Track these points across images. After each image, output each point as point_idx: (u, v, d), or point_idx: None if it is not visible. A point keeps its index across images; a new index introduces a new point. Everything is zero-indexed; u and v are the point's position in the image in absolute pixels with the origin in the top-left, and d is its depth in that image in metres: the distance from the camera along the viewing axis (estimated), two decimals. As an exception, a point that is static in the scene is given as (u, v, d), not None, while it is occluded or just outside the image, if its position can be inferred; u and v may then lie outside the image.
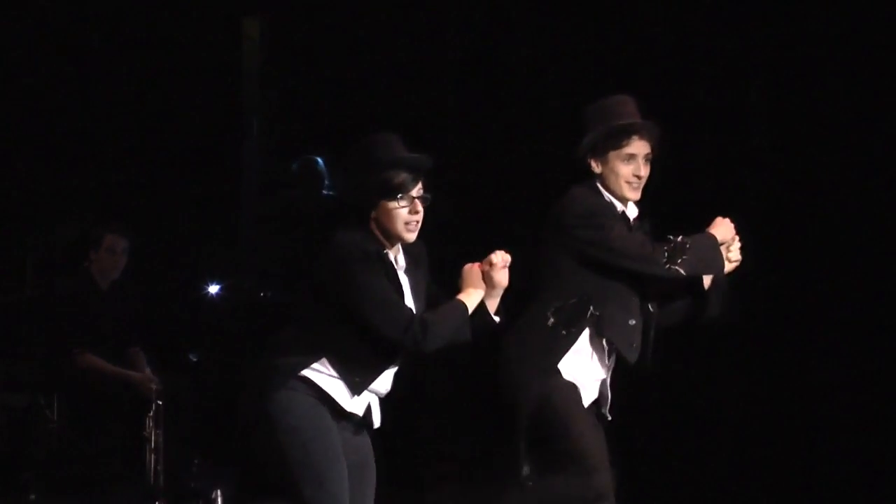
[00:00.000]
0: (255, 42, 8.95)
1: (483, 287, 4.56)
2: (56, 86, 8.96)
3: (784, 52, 7.17)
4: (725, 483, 7.22)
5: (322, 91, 8.57)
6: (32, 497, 7.31)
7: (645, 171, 4.91)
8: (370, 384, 4.50)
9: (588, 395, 4.96)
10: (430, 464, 7.47)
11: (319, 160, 7.71)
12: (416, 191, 4.50)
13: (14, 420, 7.49)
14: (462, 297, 4.55)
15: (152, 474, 7.15)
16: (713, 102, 7.31)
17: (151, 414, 7.22)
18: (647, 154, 4.91)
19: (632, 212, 4.98)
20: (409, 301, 4.54)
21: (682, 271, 4.80)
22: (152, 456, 7.16)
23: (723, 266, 4.94)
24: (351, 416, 4.51)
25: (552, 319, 4.85)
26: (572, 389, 4.87)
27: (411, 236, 4.52)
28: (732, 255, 4.97)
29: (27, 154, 8.91)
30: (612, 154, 4.88)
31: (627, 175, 4.88)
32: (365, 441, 4.63)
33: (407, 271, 4.59)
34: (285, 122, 8.84)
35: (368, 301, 4.38)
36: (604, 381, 5.01)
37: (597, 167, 4.91)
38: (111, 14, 8.91)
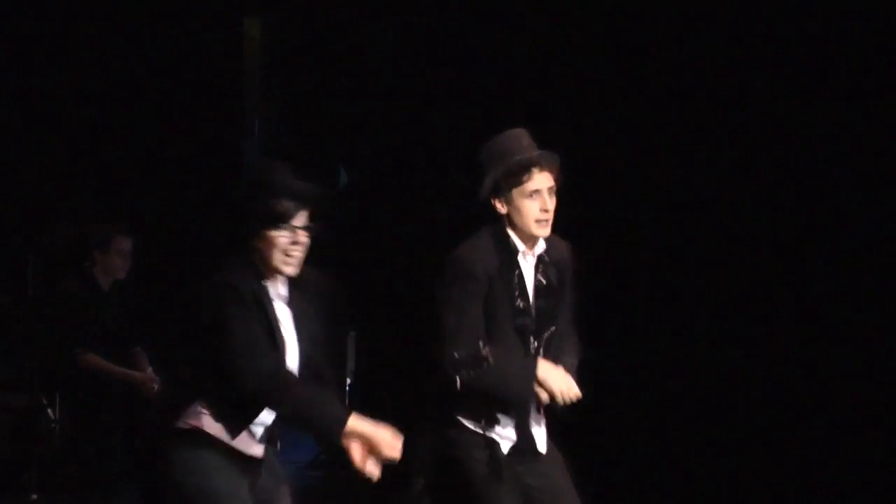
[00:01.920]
0: (256, 42, 8.95)
1: (373, 442, 4.20)
2: (57, 86, 8.97)
3: (784, 51, 7.18)
4: (725, 483, 7.24)
5: (323, 91, 8.58)
6: (34, 497, 7.32)
7: (552, 205, 4.71)
8: (246, 426, 4.32)
9: (505, 441, 4.74)
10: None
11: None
12: (301, 221, 4.28)
13: (15, 420, 7.50)
14: (353, 419, 4.21)
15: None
16: (713, 101, 7.32)
17: (153, 414, 7.23)
18: (551, 187, 4.72)
19: (539, 248, 4.78)
20: (287, 334, 4.36)
21: (465, 378, 4.51)
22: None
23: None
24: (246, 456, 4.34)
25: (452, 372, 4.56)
26: (476, 442, 4.69)
27: (290, 270, 4.29)
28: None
29: (28, 154, 8.91)
30: (515, 192, 4.69)
31: (535, 212, 4.69)
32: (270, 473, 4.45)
33: (290, 303, 4.38)
34: (286, 122, 8.84)
35: (235, 347, 4.19)
36: (520, 423, 4.76)
37: (502, 207, 4.72)
38: (112, 14, 8.91)
